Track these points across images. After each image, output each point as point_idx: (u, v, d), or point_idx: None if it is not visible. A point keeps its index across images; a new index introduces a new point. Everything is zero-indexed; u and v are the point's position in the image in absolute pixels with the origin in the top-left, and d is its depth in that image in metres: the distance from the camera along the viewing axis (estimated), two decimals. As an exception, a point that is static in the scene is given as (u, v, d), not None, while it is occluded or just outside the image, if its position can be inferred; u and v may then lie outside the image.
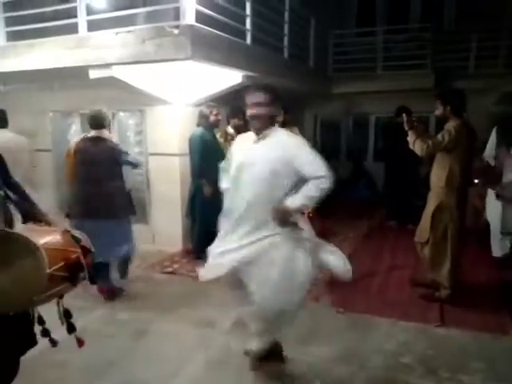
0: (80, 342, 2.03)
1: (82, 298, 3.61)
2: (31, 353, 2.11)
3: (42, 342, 2.80)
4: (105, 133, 3.78)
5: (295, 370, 2.73)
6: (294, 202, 2.35)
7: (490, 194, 4.18)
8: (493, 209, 4.15)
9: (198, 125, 4.71)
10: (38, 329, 2.04)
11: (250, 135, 2.55)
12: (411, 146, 3.52)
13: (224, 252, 2.46)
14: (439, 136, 3.43)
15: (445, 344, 3.05)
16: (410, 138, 3.50)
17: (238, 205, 2.43)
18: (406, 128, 3.51)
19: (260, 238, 2.39)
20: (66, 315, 1.97)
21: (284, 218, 2.34)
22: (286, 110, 5.30)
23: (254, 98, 2.43)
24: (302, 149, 2.42)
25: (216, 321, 3.36)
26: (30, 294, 1.74)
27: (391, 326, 3.30)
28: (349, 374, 2.70)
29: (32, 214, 2.20)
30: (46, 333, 1.97)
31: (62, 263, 1.82)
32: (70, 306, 3.51)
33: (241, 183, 2.44)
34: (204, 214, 4.61)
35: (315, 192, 2.36)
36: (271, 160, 2.36)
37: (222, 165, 2.77)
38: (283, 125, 5.36)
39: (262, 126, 2.44)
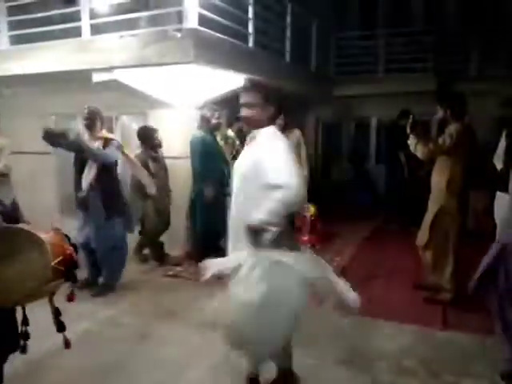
0: (67, 344, 2.05)
1: (84, 302, 3.64)
2: (34, 356, 2.11)
3: (45, 346, 2.82)
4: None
5: (297, 373, 2.72)
6: (255, 217, 1.93)
7: (499, 196, 4.17)
8: (500, 212, 4.13)
9: (199, 128, 4.73)
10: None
11: None
12: (412, 149, 3.53)
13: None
14: (440, 139, 3.43)
15: (448, 347, 3.04)
16: (412, 141, 3.50)
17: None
18: (408, 131, 3.51)
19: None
20: (57, 313, 2.00)
21: (255, 237, 1.94)
22: (285, 113, 5.34)
23: (245, 97, 2.19)
24: (274, 152, 2.04)
25: (218, 324, 3.35)
26: (38, 285, 1.81)
27: (393, 329, 3.30)
28: (351, 378, 2.69)
29: (13, 215, 2.22)
30: (26, 336, 1.98)
31: (61, 257, 1.90)
32: (73, 310, 3.53)
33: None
34: (205, 217, 4.62)
35: (275, 206, 1.92)
36: (243, 165, 2.19)
37: None
38: (283, 128, 5.40)
39: (254, 128, 2.21)
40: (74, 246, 2.06)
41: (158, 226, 4.76)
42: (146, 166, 4.51)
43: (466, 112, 3.56)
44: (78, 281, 2.08)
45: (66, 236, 2.07)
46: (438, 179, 3.53)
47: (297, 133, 5.44)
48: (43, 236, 1.87)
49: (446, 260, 3.57)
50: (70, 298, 2.09)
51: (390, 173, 6.60)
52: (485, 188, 5.18)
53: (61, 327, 2.01)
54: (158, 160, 4.75)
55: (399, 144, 6.31)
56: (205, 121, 4.69)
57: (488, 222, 5.19)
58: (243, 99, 2.20)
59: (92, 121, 3.85)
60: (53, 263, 1.82)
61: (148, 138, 4.66)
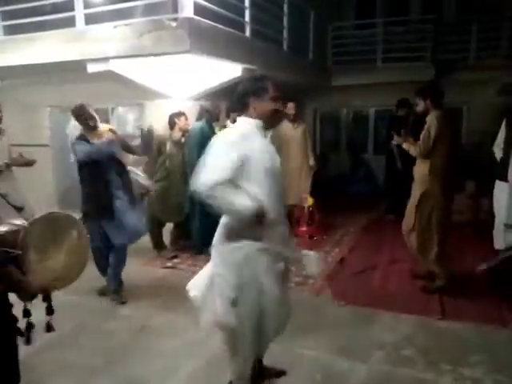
0: (49, 328, 2.00)
1: (81, 293, 3.63)
2: (31, 348, 2.08)
3: (41, 338, 2.80)
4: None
5: (296, 363, 2.73)
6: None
7: (498, 185, 4.16)
8: (499, 201, 4.13)
9: (198, 119, 4.68)
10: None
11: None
12: (411, 153, 3.74)
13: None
14: (425, 133, 3.55)
15: (446, 337, 3.05)
16: (406, 148, 3.77)
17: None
18: (401, 143, 3.86)
19: None
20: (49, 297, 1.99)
21: None
22: (297, 104, 5.35)
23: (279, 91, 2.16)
24: None
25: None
26: (84, 262, 1.96)
27: (392, 319, 3.30)
28: (350, 368, 2.70)
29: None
30: (29, 327, 1.95)
31: None
32: (71, 302, 3.51)
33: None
34: (204, 209, 4.58)
35: None
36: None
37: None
38: (295, 118, 5.42)
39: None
40: None
41: (159, 211, 4.65)
42: (160, 147, 4.56)
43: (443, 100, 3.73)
44: None
45: None
46: (422, 164, 3.66)
47: (304, 125, 5.55)
48: None
49: (431, 243, 3.66)
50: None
51: (389, 163, 6.56)
52: (478, 176, 5.29)
53: (50, 311, 1.98)
54: (178, 143, 4.67)
55: (392, 135, 6.32)
56: (207, 112, 4.64)
57: (472, 204, 5.49)
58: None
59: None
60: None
61: (170, 121, 4.62)
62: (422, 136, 3.58)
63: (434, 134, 3.50)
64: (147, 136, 4.80)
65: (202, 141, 4.47)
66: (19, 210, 2.01)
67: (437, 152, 3.54)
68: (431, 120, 3.55)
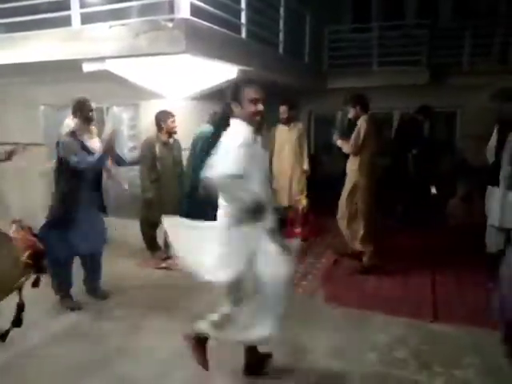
0: (2, 337, 1.95)
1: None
2: (22, 347, 2.06)
3: (33, 338, 2.78)
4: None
5: (290, 365, 2.73)
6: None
7: (489, 189, 4.19)
8: (491, 205, 4.17)
9: (209, 122, 4.66)
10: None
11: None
12: (344, 151, 4.35)
13: None
14: (355, 134, 4.13)
15: (438, 339, 3.07)
16: (340, 145, 4.37)
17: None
18: (337, 142, 4.39)
19: None
20: (21, 309, 1.94)
21: None
22: (291, 107, 5.36)
23: (260, 94, 2.35)
24: None
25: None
26: (9, 283, 1.79)
27: (385, 322, 3.32)
28: (343, 370, 2.71)
29: None
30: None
31: (30, 251, 1.87)
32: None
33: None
34: (201, 209, 4.55)
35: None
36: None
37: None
38: (288, 121, 5.41)
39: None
40: (36, 236, 2.03)
41: (152, 213, 4.59)
42: (151, 150, 4.48)
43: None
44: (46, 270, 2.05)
45: (29, 227, 2.04)
46: (353, 160, 4.29)
47: (300, 125, 5.53)
48: (9, 232, 1.85)
49: (358, 226, 4.27)
50: (36, 283, 2.02)
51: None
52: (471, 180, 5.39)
53: (17, 323, 1.94)
54: (168, 145, 4.62)
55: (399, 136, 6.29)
56: (222, 116, 4.62)
57: (465, 208, 5.74)
58: (262, 95, 2.34)
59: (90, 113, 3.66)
60: (22, 258, 1.80)
61: (157, 122, 4.54)
62: (353, 136, 4.14)
63: (363, 134, 4.07)
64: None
65: (212, 143, 4.38)
66: None
67: (365, 150, 4.15)
68: (361, 122, 4.14)
